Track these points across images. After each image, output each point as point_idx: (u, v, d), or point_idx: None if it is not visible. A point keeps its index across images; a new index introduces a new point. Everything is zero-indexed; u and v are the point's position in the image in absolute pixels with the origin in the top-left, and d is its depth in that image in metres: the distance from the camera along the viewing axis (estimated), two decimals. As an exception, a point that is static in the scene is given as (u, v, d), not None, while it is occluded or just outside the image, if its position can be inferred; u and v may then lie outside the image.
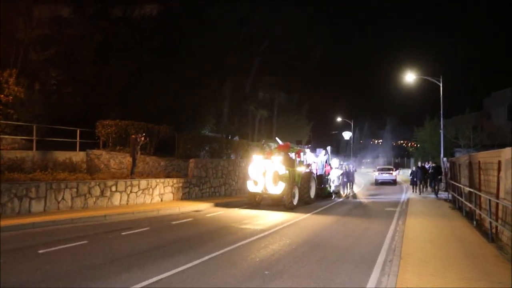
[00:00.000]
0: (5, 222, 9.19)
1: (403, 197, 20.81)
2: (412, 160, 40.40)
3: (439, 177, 21.13)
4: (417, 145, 42.72)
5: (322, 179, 19.64)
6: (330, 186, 20.48)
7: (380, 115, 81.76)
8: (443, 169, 22.13)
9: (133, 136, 14.94)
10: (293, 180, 15.91)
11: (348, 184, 23.79)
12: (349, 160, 45.14)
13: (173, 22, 20.72)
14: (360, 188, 28.44)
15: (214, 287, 5.54)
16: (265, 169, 14.98)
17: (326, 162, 20.76)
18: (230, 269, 6.48)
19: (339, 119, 57.30)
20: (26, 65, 15.40)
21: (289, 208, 14.64)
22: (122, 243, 8.26)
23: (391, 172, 31.94)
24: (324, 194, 19.69)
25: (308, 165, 18.46)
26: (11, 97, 14.04)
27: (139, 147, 14.69)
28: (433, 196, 20.47)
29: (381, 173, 31.82)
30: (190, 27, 21.11)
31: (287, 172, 15.77)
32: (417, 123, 39.08)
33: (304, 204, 16.40)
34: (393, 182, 30.45)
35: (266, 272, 6.29)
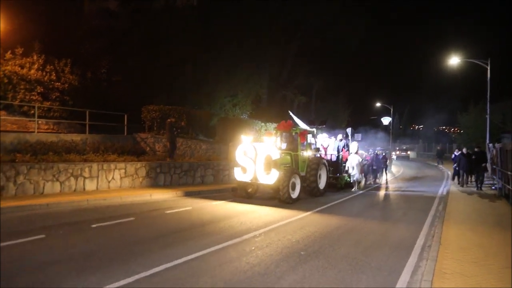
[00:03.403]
0: (64, 199, 10.24)
1: (441, 189, 17.71)
2: (454, 146, 38.76)
3: (483, 164, 17.73)
4: (460, 131, 40.95)
5: (338, 167, 16.47)
6: (348, 175, 16.85)
7: (421, 100, 78.23)
8: (488, 156, 19.74)
9: (168, 120, 15.60)
10: (295, 167, 13.18)
11: (378, 172, 21.00)
12: (388, 145, 44.21)
13: (212, 11, 21.16)
14: (393, 176, 25.31)
15: None
16: (255, 153, 12.15)
17: (344, 146, 17.47)
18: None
19: (378, 104, 55.80)
20: (79, 55, 16.56)
21: (286, 202, 11.71)
22: (166, 221, 8.91)
23: (406, 152, 49.18)
24: (340, 185, 16.43)
25: (317, 149, 15.47)
26: (66, 85, 15.29)
27: (178, 131, 15.28)
28: (475, 188, 17.44)
29: (400, 152, 48.01)
30: (228, 16, 21.47)
31: (288, 156, 13.24)
32: (460, 108, 37.38)
33: (311, 196, 13.69)
34: (408, 158, 46.91)
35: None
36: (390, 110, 53.20)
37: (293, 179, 12.21)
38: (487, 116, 23.12)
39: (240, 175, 12.48)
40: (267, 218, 9.65)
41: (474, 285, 5.18)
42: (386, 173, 22.07)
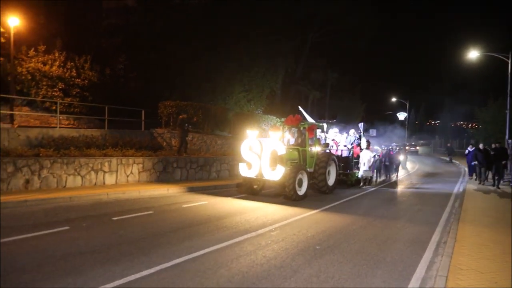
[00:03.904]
0: (85, 192, 10.59)
1: (457, 187, 17.07)
2: (470, 142, 38.00)
3: (503, 162, 16.70)
4: (478, 126, 40.14)
5: (348, 163, 16.07)
6: (358, 172, 16.40)
7: (437, 95, 76.80)
8: (509, 152, 18.52)
9: (180, 116, 15.75)
10: (302, 162, 12.89)
11: (392, 168, 20.23)
12: (403, 141, 43.85)
13: (227, 6, 21.26)
14: (408, 173, 24.66)
15: None
16: (261, 148, 11.79)
17: (354, 141, 17.02)
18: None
19: (393, 99, 55.13)
20: (98, 51, 16.94)
21: (292, 199, 11.44)
22: (184, 214, 9.12)
23: (416, 147, 51.02)
24: (350, 181, 16.05)
25: (327, 145, 15.22)
26: (86, 81, 15.69)
27: (189, 126, 15.37)
28: (493, 186, 16.54)
29: (410, 148, 47.66)
30: (244, 11, 21.54)
31: (296, 152, 12.91)
32: (479, 103, 36.56)
33: (320, 193, 13.35)
34: (416, 153, 47.93)
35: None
36: (406, 105, 52.55)
37: (299, 176, 11.81)
38: (507, 111, 22.60)
39: (245, 171, 12.08)
40: (271, 216, 9.28)
41: (490, 281, 5.20)
42: (398, 170, 21.41)
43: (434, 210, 11.17)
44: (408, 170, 26.75)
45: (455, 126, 75.08)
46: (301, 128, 13.77)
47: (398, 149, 22.97)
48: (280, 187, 11.98)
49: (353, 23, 30.79)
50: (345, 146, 16.82)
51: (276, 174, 11.44)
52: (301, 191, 11.87)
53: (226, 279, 5.13)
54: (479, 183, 17.64)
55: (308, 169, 12.81)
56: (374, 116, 54.08)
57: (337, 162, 14.49)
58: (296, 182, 11.57)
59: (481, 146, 18.46)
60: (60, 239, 6.62)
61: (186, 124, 15.22)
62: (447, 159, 36.32)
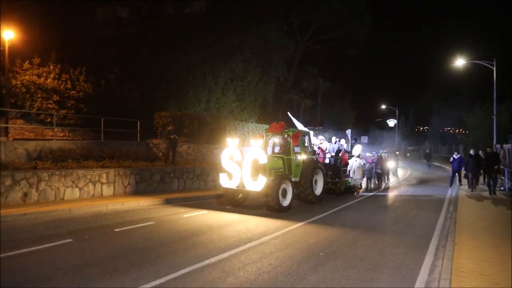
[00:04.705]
0: (84, 204, 10.54)
1: (450, 192, 16.97)
2: (460, 148, 38.72)
3: (496, 167, 16.24)
4: (465, 132, 41.03)
5: (337, 171, 15.52)
6: (349, 180, 15.94)
7: (426, 101, 78.39)
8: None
9: (168, 128, 15.58)
10: (287, 171, 12.35)
11: (382, 175, 19.80)
12: (394, 147, 44.44)
13: (220, 17, 21.54)
14: (398, 180, 24.60)
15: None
16: (242, 157, 11.28)
17: (342, 148, 16.51)
18: None
19: (383, 106, 56.14)
20: (93, 63, 16.98)
21: (275, 211, 10.81)
22: (185, 224, 9.15)
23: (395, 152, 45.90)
24: (339, 190, 15.36)
25: (314, 152, 14.45)
26: (81, 93, 15.68)
27: (176, 137, 15.11)
28: (488, 192, 16.21)
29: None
30: (236, 21, 21.84)
31: (280, 161, 12.35)
32: (466, 109, 37.38)
33: (307, 203, 12.77)
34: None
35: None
36: (396, 112, 53.51)
37: (283, 185, 11.14)
38: (494, 117, 23.18)
39: (225, 181, 11.50)
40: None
41: (493, 282, 5.38)
42: (388, 177, 21.04)
43: (429, 217, 11.31)
44: (399, 177, 26.49)
45: (443, 132, 76.41)
46: (285, 136, 13.21)
47: (387, 156, 22.62)
48: (265, 198, 11.34)
49: (345, 32, 31.41)
50: (327, 152, 16.30)
51: (257, 184, 10.79)
52: (285, 202, 11.21)
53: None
54: (472, 190, 17.33)
55: (293, 179, 12.22)
56: (365, 123, 54.89)
57: (324, 171, 13.81)
58: (280, 192, 10.94)
59: (471, 152, 18.33)
60: (65, 251, 6.61)
61: (173, 135, 15.22)
62: (426, 165, 37.34)
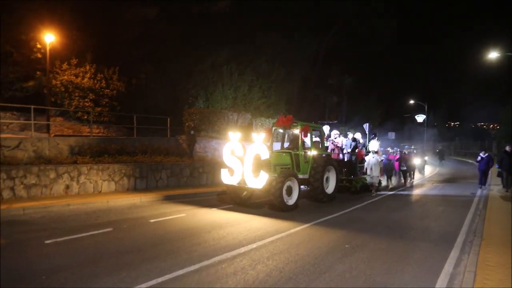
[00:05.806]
0: (120, 196, 11.20)
1: (479, 193, 15.42)
2: (494, 144, 37.38)
3: None
4: (500, 127, 39.55)
5: (352, 167, 14.57)
6: (365, 177, 14.79)
7: (459, 96, 75.82)
8: None
9: (187, 124, 16.06)
10: (295, 167, 11.53)
11: (408, 172, 18.86)
12: (422, 144, 43.42)
13: (245, 16, 21.88)
14: (423, 177, 23.32)
15: None
16: (244, 152, 10.67)
17: (358, 144, 15.40)
18: None
19: (411, 101, 54.77)
20: (125, 63, 17.75)
21: (279, 210, 10.13)
22: (214, 216, 9.54)
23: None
24: (354, 188, 14.31)
25: (326, 148, 13.78)
26: (115, 91, 16.48)
27: (192, 133, 15.59)
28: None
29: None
30: (261, 20, 22.12)
31: (288, 156, 11.55)
32: (500, 103, 36.09)
33: (317, 202, 11.95)
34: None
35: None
36: (425, 107, 52.10)
37: (288, 183, 10.34)
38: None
39: (227, 178, 10.83)
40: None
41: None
42: (413, 175, 20.00)
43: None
44: (425, 174, 25.21)
45: (476, 127, 73.84)
46: (294, 130, 12.50)
47: (410, 152, 21.49)
48: (267, 196, 10.51)
49: (370, 27, 31.03)
50: (342, 149, 15.29)
51: (259, 181, 9.95)
52: (291, 200, 10.44)
53: (265, 274, 5.54)
54: (506, 190, 15.44)
55: (302, 176, 11.48)
56: (392, 119, 53.84)
57: (337, 168, 12.92)
58: (285, 190, 10.22)
59: (507, 148, 15.93)
60: (107, 239, 7.17)
61: (192, 131, 15.70)
62: (438, 161, 35.22)
